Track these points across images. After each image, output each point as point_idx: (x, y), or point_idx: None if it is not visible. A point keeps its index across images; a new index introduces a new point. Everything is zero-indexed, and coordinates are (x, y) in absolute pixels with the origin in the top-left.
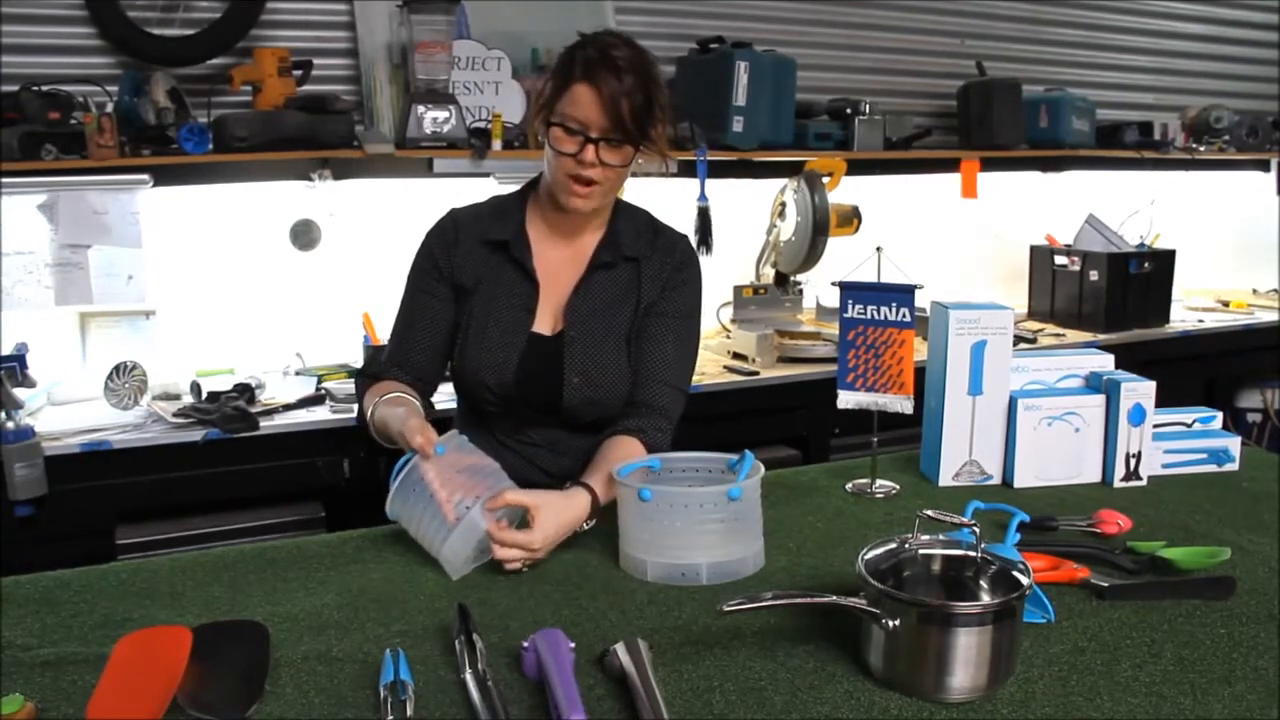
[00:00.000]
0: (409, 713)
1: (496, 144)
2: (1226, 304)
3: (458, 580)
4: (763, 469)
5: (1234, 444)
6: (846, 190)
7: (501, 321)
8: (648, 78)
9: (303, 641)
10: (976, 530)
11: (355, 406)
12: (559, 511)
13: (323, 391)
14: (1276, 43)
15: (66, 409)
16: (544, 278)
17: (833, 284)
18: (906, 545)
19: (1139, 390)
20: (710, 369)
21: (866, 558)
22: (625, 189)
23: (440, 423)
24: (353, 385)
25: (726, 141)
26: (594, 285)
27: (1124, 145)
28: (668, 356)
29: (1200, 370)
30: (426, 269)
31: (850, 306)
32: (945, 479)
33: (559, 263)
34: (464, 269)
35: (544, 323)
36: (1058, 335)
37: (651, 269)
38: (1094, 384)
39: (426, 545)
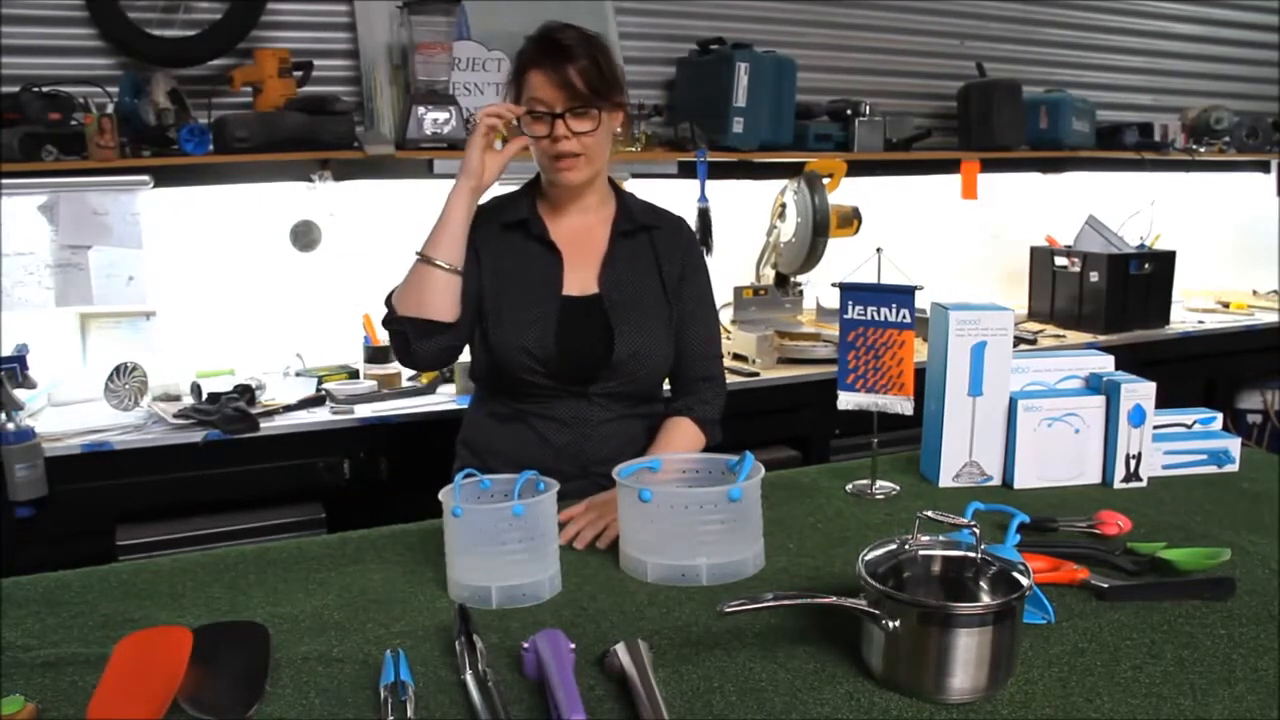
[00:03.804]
0: (409, 713)
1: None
2: (1227, 305)
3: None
4: (763, 470)
5: (1234, 445)
6: (847, 191)
7: (533, 289)
8: (592, 48)
9: (303, 642)
10: (976, 531)
11: (355, 408)
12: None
13: (323, 392)
14: (1276, 43)
15: (67, 410)
16: (564, 249)
17: (833, 285)
18: (906, 546)
19: (1139, 391)
20: None
21: (866, 558)
22: (624, 186)
23: (452, 422)
24: (353, 385)
25: (727, 142)
26: (620, 252)
27: (1124, 146)
28: (705, 333)
29: (1200, 371)
30: None
31: (850, 307)
32: (945, 480)
33: (574, 240)
34: (486, 247)
35: (572, 290)
36: (1058, 336)
37: (664, 241)
38: (1094, 385)
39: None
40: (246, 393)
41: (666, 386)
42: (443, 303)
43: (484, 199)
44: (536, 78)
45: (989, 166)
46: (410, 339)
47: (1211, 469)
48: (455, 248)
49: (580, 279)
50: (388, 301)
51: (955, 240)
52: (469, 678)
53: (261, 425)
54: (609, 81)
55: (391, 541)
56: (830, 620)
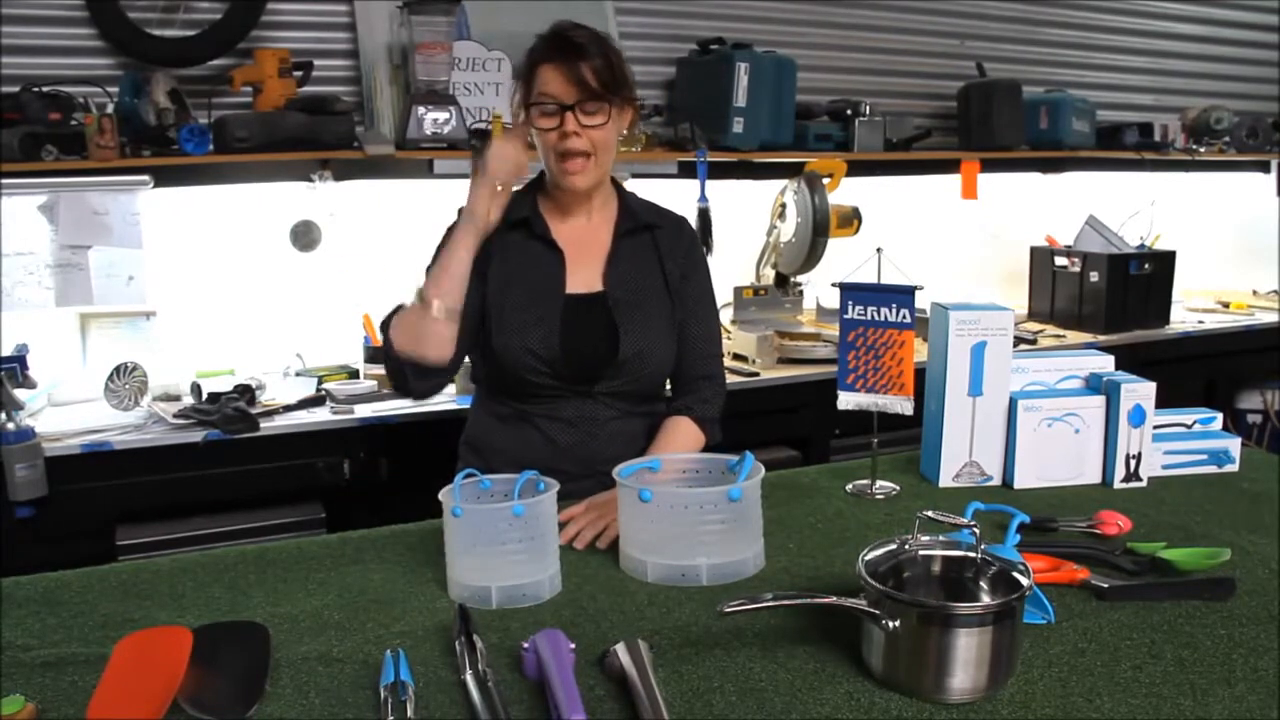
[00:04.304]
0: (409, 713)
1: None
2: (1227, 305)
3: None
4: (763, 470)
5: (1234, 445)
6: (847, 191)
7: (535, 288)
8: (603, 46)
9: (303, 642)
10: (976, 531)
11: (355, 408)
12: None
13: (323, 392)
14: (1276, 43)
15: (67, 410)
16: (566, 249)
17: (833, 285)
18: (906, 546)
19: (1139, 391)
20: None
21: (866, 558)
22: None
23: (452, 422)
24: (353, 385)
25: (727, 142)
26: (624, 251)
27: (1124, 146)
28: (706, 332)
29: (1200, 371)
30: None
31: (850, 307)
32: (945, 480)
33: (577, 238)
34: (487, 247)
35: (576, 288)
36: (1058, 336)
37: (667, 240)
38: (1094, 385)
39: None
40: (246, 393)
41: (667, 385)
42: (440, 348)
43: None
44: (548, 72)
45: (989, 166)
46: (408, 377)
47: (1211, 469)
48: (456, 292)
49: (584, 277)
50: (384, 330)
51: (955, 240)
52: (469, 678)
53: (261, 425)
54: (620, 80)
55: (391, 541)
56: (830, 620)
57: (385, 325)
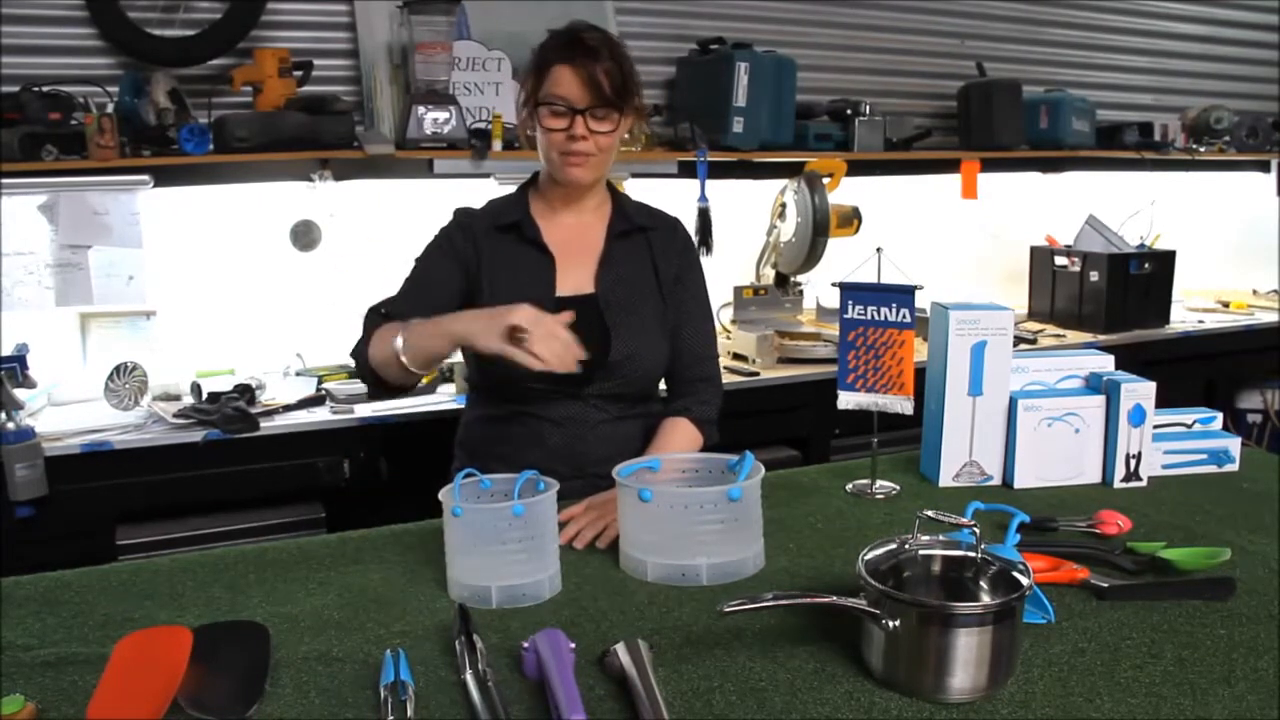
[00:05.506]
0: (409, 713)
1: (497, 144)
2: (1227, 305)
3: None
4: (763, 469)
5: (1234, 445)
6: (847, 191)
7: (525, 292)
8: (618, 53)
9: (303, 642)
10: (976, 531)
11: (355, 408)
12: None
13: (323, 392)
14: (1276, 43)
15: (67, 409)
16: (557, 252)
17: (833, 285)
18: (906, 546)
19: (1139, 391)
20: None
21: (866, 558)
22: (624, 186)
23: (452, 422)
24: (353, 385)
25: (727, 142)
26: (617, 254)
27: (1124, 146)
28: (701, 333)
29: (1200, 371)
30: (442, 245)
31: (850, 307)
32: (945, 480)
33: (568, 241)
34: (478, 250)
35: (567, 290)
36: (1058, 336)
37: (660, 241)
38: (1094, 385)
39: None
40: (246, 392)
41: (663, 387)
42: (401, 381)
43: (482, 203)
44: (562, 72)
45: (989, 166)
46: (368, 380)
47: (1211, 469)
48: (424, 362)
49: (575, 279)
50: (366, 324)
51: (955, 240)
52: (469, 678)
53: (261, 425)
54: (631, 87)
55: (391, 541)
56: (830, 620)
57: (369, 321)
